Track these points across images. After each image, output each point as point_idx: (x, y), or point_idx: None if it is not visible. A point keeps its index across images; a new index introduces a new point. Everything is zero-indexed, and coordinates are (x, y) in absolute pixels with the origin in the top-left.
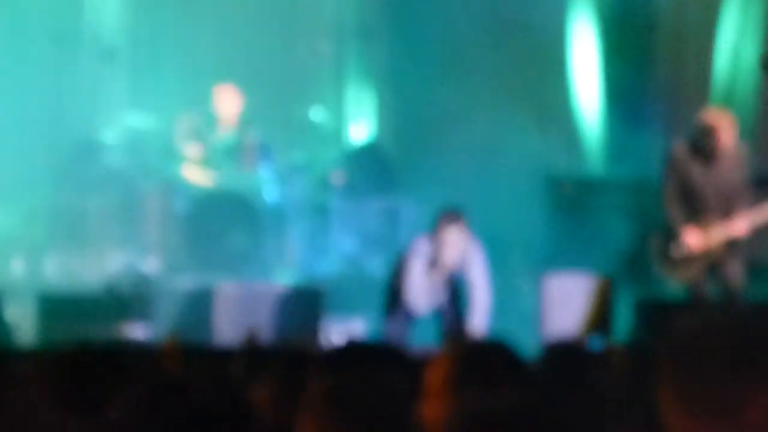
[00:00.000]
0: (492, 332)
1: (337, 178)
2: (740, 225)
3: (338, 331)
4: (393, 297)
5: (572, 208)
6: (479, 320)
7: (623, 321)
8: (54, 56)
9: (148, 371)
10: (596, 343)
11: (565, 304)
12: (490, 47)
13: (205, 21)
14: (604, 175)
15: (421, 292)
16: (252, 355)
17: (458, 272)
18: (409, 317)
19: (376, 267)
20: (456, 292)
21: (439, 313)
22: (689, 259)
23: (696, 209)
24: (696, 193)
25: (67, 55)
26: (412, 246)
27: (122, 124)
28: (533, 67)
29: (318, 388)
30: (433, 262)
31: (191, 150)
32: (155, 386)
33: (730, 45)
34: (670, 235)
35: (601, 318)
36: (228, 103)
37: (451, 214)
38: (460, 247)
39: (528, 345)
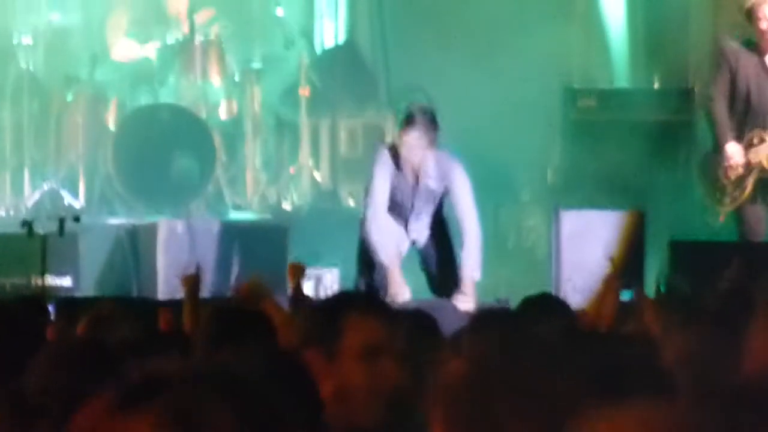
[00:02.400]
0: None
1: (306, 86)
2: None
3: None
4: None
5: (593, 125)
6: (474, 260)
7: (654, 263)
8: None
9: None
10: (625, 293)
11: (585, 243)
12: None
13: None
14: (632, 86)
15: (387, 229)
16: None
17: (438, 200)
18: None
19: (353, 198)
20: (440, 228)
21: (422, 256)
22: (739, 179)
23: (748, 116)
24: (748, 96)
25: None
26: (374, 158)
27: (40, 20)
28: None
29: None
30: (397, 176)
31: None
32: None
33: None
34: (715, 153)
35: (630, 260)
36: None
37: (417, 111)
38: (425, 152)
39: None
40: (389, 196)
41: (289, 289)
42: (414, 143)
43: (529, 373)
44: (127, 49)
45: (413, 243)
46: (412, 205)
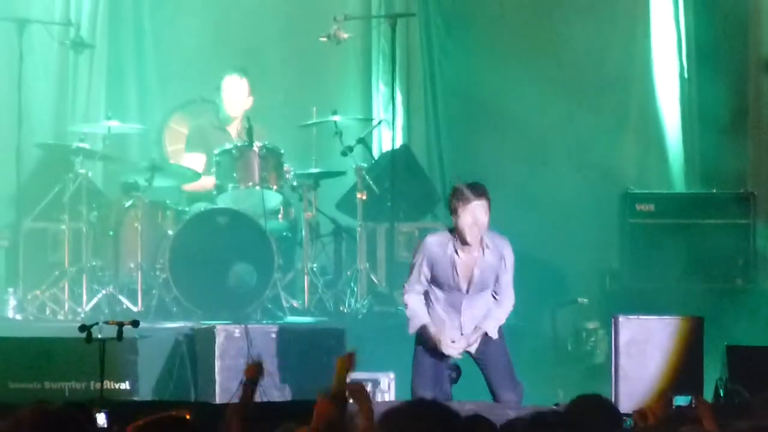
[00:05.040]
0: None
1: (363, 191)
2: None
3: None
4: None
5: (651, 229)
6: (498, 321)
7: (713, 368)
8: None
9: None
10: (681, 398)
11: (643, 349)
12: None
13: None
14: (689, 192)
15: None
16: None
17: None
18: (440, 359)
19: None
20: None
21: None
22: None
23: None
24: None
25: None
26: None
27: (99, 127)
28: (608, 59)
29: None
30: (445, 259)
31: (189, 159)
32: None
33: None
34: None
35: (688, 366)
36: (236, 95)
37: (474, 186)
38: (481, 243)
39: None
40: (439, 282)
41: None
42: (479, 214)
43: None
44: (190, 161)
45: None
46: (469, 286)
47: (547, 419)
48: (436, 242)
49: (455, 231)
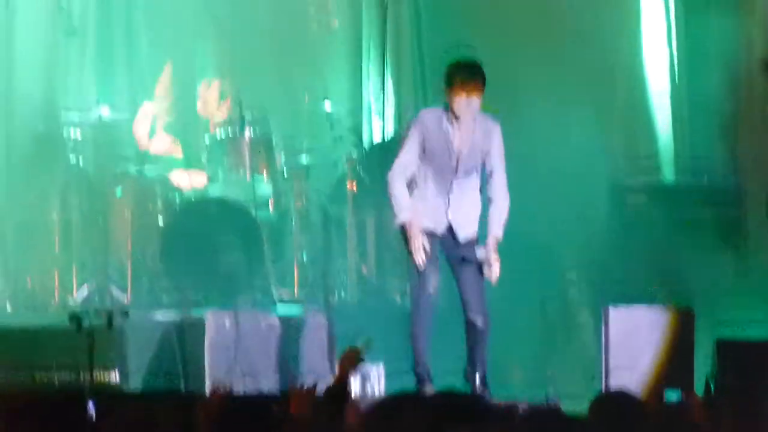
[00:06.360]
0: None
1: (353, 181)
2: None
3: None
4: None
5: (640, 221)
6: (501, 220)
7: (703, 362)
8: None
9: None
10: (672, 393)
11: (634, 340)
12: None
13: None
14: (679, 183)
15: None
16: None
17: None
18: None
19: (400, 294)
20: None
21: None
22: None
23: None
24: None
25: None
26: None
27: (90, 115)
28: (598, 53)
29: None
30: (440, 135)
31: (168, 145)
32: None
33: None
34: None
35: (679, 359)
36: (208, 100)
37: (470, 65)
38: (473, 121)
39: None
40: (432, 158)
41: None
42: (472, 93)
43: None
44: (161, 142)
45: (450, 231)
46: (457, 166)
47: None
48: (431, 116)
49: (449, 107)
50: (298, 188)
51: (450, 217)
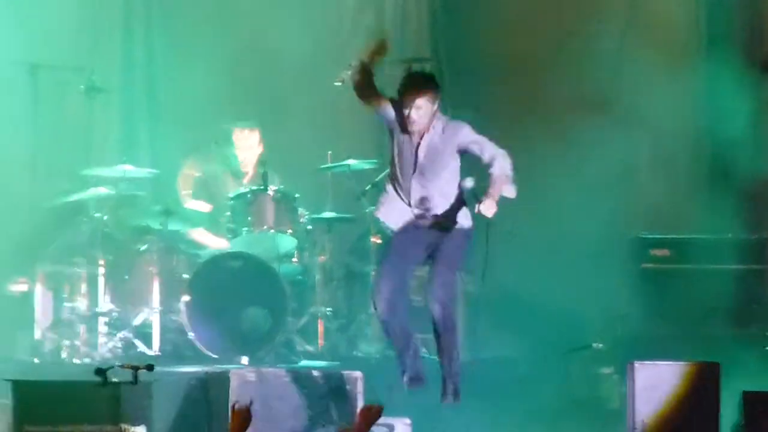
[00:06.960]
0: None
1: (376, 235)
2: None
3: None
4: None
5: (665, 274)
6: (506, 173)
7: (729, 414)
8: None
9: None
10: None
11: (659, 395)
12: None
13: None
14: (705, 236)
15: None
16: None
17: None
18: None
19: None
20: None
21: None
22: None
23: None
24: None
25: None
26: None
27: (114, 172)
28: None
29: None
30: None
31: (197, 206)
32: None
33: None
34: None
35: (704, 412)
36: (247, 147)
37: (422, 76)
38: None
39: None
40: (401, 162)
41: None
42: (420, 103)
43: None
44: (203, 236)
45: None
46: (415, 168)
47: None
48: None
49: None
50: (321, 242)
51: (413, 203)
